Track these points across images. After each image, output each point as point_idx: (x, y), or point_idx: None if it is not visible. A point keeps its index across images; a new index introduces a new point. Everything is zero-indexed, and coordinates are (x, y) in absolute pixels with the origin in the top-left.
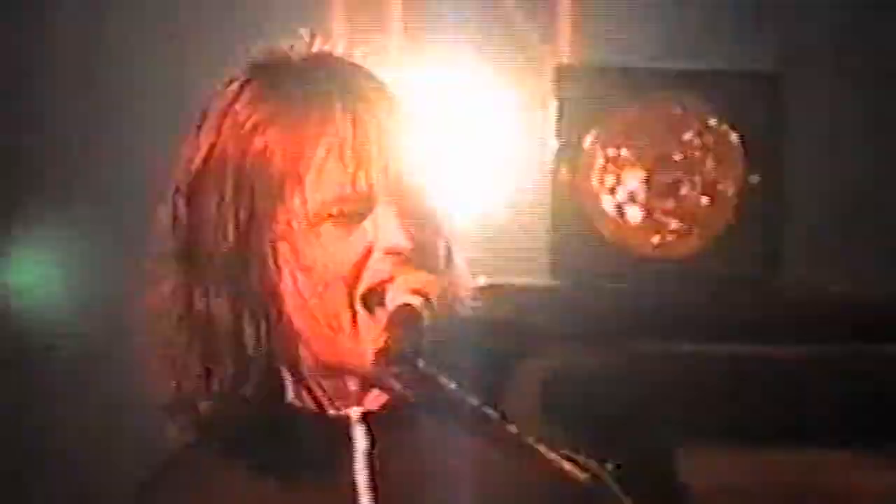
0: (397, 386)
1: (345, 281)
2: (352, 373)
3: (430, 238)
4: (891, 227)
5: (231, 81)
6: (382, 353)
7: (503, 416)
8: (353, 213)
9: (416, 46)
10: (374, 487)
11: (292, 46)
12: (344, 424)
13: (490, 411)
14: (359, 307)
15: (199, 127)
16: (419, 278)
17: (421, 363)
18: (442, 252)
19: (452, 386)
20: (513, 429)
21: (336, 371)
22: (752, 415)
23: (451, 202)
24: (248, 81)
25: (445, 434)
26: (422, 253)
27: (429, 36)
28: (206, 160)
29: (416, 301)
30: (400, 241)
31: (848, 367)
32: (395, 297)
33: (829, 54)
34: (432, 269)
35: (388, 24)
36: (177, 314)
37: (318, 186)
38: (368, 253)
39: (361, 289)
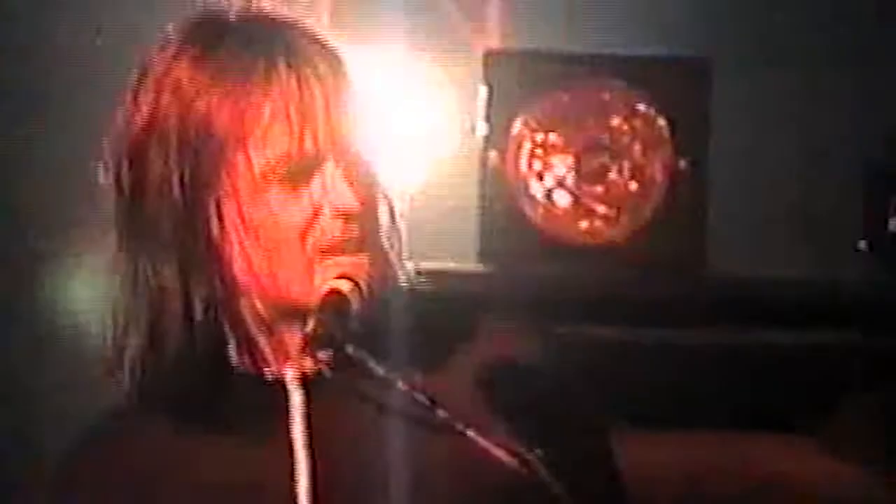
0: (327, 371)
1: (293, 241)
2: (296, 320)
3: (374, 201)
4: (817, 213)
5: (166, 44)
6: (311, 339)
7: (432, 401)
8: (299, 173)
9: (344, 32)
10: (311, 446)
11: (230, 5)
12: (281, 384)
13: (419, 396)
14: (306, 265)
15: (136, 91)
16: (348, 262)
17: (350, 348)
18: (386, 216)
19: (382, 371)
20: (442, 413)
21: (282, 320)
22: (681, 399)
23: (392, 171)
24: (184, 44)
25: (377, 411)
26: (367, 215)
27: (357, 21)
28: (147, 124)
29: (346, 286)
30: (348, 201)
31: (776, 352)
32: (324, 281)
33: (757, 41)
34: (375, 233)
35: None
36: (121, 276)
37: (264, 146)
38: (316, 213)
39: (310, 249)
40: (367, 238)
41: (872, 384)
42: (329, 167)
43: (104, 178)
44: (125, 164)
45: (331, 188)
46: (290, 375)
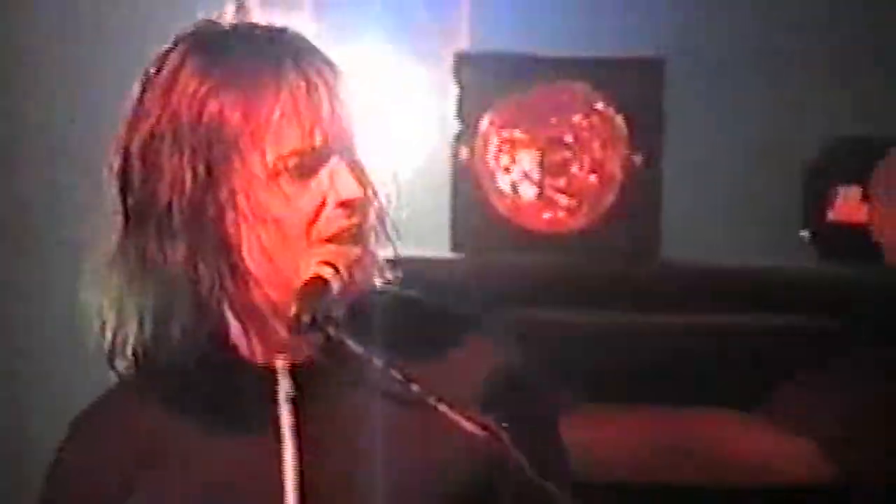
0: (310, 352)
1: (302, 230)
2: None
3: (372, 194)
4: (763, 205)
5: (172, 49)
6: (294, 322)
7: (407, 378)
8: (307, 166)
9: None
10: (298, 434)
11: (220, 16)
12: (273, 372)
13: (395, 373)
14: (310, 253)
15: (143, 93)
16: (350, 250)
17: (331, 330)
18: (384, 204)
19: (361, 350)
20: (416, 388)
21: (283, 307)
22: (636, 377)
23: (374, 166)
24: (191, 48)
25: (359, 392)
26: (367, 206)
27: (335, 23)
28: (157, 124)
29: (328, 272)
30: (353, 192)
31: (727, 335)
32: (308, 268)
33: (711, 41)
34: (372, 223)
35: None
36: (128, 262)
37: (275, 142)
38: (323, 203)
39: (317, 237)
40: (367, 227)
41: (814, 363)
42: (334, 161)
43: (112, 173)
44: (136, 162)
45: (336, 180)
46: (281, 364)
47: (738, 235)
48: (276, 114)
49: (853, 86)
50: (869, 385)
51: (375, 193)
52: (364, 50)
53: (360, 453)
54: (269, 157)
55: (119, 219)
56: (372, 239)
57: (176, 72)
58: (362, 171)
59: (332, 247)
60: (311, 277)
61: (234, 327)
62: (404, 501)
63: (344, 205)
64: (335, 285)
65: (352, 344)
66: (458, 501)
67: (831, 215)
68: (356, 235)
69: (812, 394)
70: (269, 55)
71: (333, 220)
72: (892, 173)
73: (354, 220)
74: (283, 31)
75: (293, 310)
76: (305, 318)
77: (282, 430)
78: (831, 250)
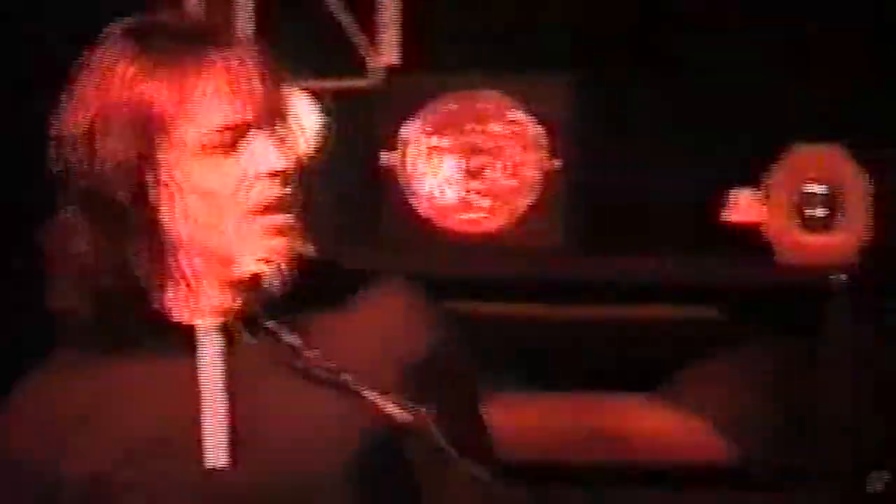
0: (247, 337)
1: (235, 200)
2: (226, 272)
3: (298, 168)
4: (669, 205)
5: (107, 43)
6: (233, 313)
7: (336, 366)
8: (236, 140)
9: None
10: (221, 390)
11: (160, 12)
12: (196, 332)
13: (325, 361)
14: (246, 223)
15: (79, 84)
16: (281, 220)
17: (269, 323)
18: (305, 185)
19: (291, 339)
20: (345, 377)
21: (214, 273)
22: (551, 365)
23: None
24: (125, 41)
25: (282, 365)
26: (293, 178)
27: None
28: (94, 110)
29: (264, 268)
30: (279, 162)
31: (632, 325)
32: (246, 263)
33: (620, 55)
34: (299, 196)
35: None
36: (73, 235)
37: (204, 119)
38: (255, 175)
39: (250, 207)
40: (295, 198)
41: (710, 351)
42: (263, 134)
43: (56, 157)
44: (80, 147)
45: (265, 152)
46: (207, 325)
47: (642, 233)
48: (204, 91)
49: (747, 93)
50: (758, 371)
51: (303, 165)
52: (299, 59)
53: (279, 409)
54: (197, 134)
55: (67, 203)
56: (301, 209)
57: (109, 60)
58: (292, 143)
59: (276, 217)
60: (249, 273)
61: (166, 292)
62: (317, 464)
63: (273, 175)
64: (274, 280)
65: (284, 334)
66: (375, 475)
67: (727, 215)
68: (288, 204)
69: (708, 378)
70: (194, 40)
71: (264, 190)
72: (778, 178)
73: (286, 189)
74: (212, 22)
75: (235, 303)
76: (244, 310)
77: (202, 387)
78: (727, 247)
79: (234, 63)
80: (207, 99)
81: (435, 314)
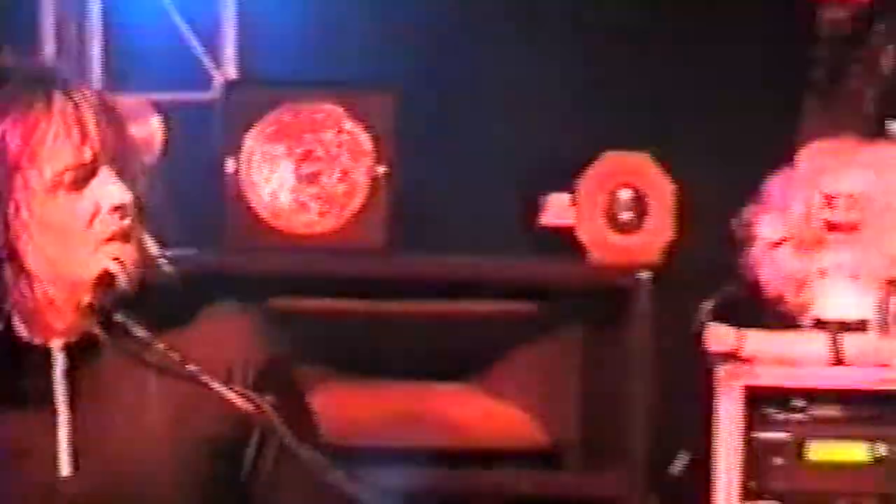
0: (101, 334)
1: (80, 233)
2: (78, 297)
3: (139, 200)
4: (491, 208)
5: None
6: (86, 308)
7: (183, 358)
8: (81, 179)
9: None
10: (73, 407)
11: (11, 59)
12: (49, 352)
13: (172, 353)
14: (91, 254)
15: None
16: (122, 249)
17: (118, 315)
18: (146, 212)
19: (141, 332)
20: (192, 367)
21: (66, 299)
22: (378, 357)
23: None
24: None
25: (135, 367)
26: (134, 210)
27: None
28: None
29: (115, 267)
30: (122, 197)
31: (453, 318)
32: (99, 263)
33: (442, 69)
34: (140, 225)
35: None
36: None
37: (50, 160)
38: (98, 210)
39: (93, 239)
40: (135, 228)
41: (525, 343)
42: (104, 171)
43: None
44: None
45: (107, 188)
46: (57, 345)
47: (462, 234)
48: (49, 135)
49: (559, 111)
50: (568, 360)
51: (143, 197)
52: (149, 75)
53: (130, 418)
54: (47, 174)
55: None
56: (144, 236)
57: None
58: (132, 178)
59: (110, 247)
60: (101, 272)
61: (18, 318)
62: (171, 464)
63: (116, 209)
64: (121, 277)
65: (135, 328)
66: (222, 463)
67: (543, 218)
68: (129, 235)
69: (522, 368)
70: (42, 86)
71: (107, 222)
72: (590, 184)
73: (126, 221)
74: (53, 67)
75: (85, 299)
76: (96, 306)
77: (56, 402)
78: (543, 247)
79: (76, 106)
80: (54, 141)
81: (263, 335)
